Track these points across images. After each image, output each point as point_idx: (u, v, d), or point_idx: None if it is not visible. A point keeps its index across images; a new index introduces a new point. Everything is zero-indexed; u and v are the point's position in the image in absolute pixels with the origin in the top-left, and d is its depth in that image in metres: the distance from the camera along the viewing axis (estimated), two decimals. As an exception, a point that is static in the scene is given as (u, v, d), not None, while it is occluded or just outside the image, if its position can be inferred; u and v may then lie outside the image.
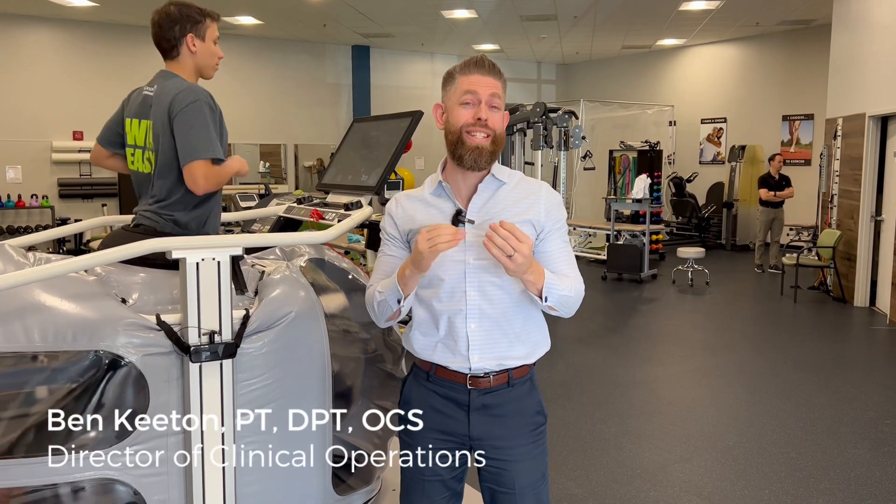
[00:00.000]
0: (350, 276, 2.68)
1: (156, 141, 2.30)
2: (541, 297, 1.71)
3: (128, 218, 2.75)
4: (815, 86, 11.45)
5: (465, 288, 1.77)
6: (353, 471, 2.64)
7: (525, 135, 7.45)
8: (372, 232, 2.61)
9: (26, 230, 10.61)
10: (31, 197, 10.89)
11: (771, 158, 9.89)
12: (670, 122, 13.40)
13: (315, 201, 2.88)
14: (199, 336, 1.99)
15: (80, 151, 11.15)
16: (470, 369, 1.79)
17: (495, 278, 1.76)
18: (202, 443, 2.02)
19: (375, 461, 2.68)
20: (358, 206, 2.50)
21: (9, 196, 10.73)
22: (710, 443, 4.06)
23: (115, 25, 11.27)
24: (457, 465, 1.87)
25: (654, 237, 10.04)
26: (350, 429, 2.81)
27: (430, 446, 1.85)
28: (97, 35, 11.19)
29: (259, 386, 2.15)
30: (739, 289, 8.88)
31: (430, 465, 1.86)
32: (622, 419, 4.44)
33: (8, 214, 10.74)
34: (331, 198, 2.81)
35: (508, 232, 1.59)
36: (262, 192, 8.25)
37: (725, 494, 3.44)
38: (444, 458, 1.85)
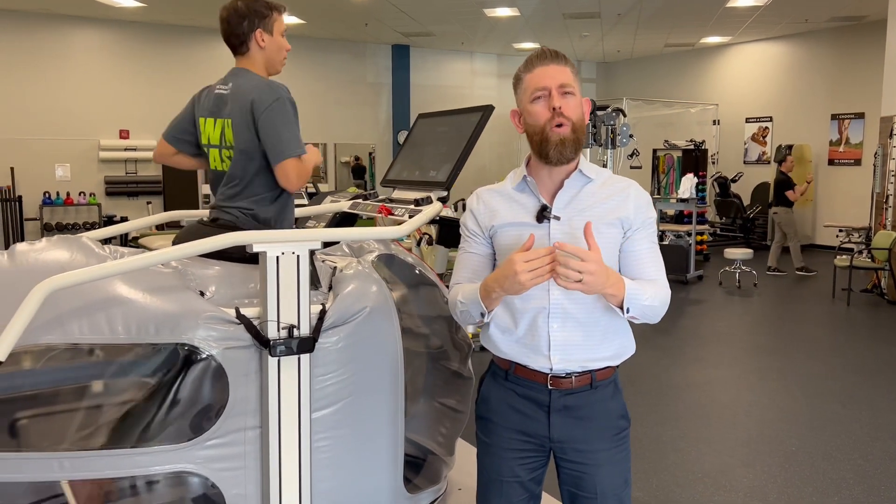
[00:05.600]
0: (417, 271, 2.65)
1: (235, 138, 2.30)
2: (622, 309, 1.65)
3: (195, 213, 2.77)
4: (866, 84, 11.18)
5: (548, 286, 1.72)
6: (420, 470, 2.61)
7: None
8: (443, 228, 2.58)
9: (74, 227, 10.82)
10: (80, 194, 11.11)
11: (783, 160, 9.60)
12: (714, 122, 13.18)
13: (380, 197, 2.87)
14: (279, 330, 1.98)
15: (126, 150, 11.36)
16: (551, 369, 1.74)
17: None
18: (279, 437, 2.01)
19: (442, 461, 2.66)
20: (428, 201, 2.47)
21: (58, 193, 10.95)
22: (772, 447, 3.96)
23: (162, 26, 11.45)
24: (536, 466, 1.82)
25: (698, 238, 9.88)
26: (413, 427, 2.79)
27: (509, 447, 1.81)
28: (144, 35, 11.38)
29: (333, 381, 2.13)
30: (788, 291, 8.69)
31: (509, 465, 1.81)
32: (678, 422, 4.35)
33: (57, 211, 10.97)
34: (397, 194, 2.79)
35: (567, 254, 1.52)
36: (312, 190, 8.30)
37: (793, 501, 3.35)
38: (523, 460, 1.80)
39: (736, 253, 8.84)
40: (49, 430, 1.92)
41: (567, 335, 1.72)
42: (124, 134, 11.40)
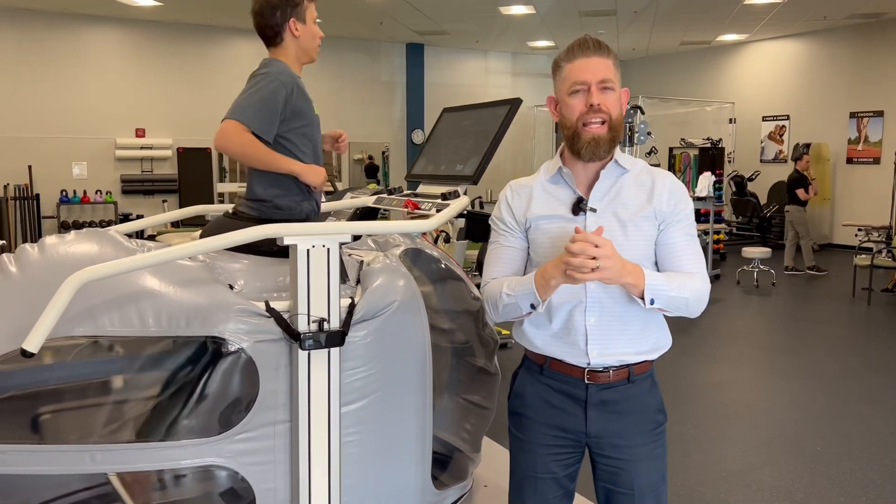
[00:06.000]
0: (443, 266, 2.63)
1: None
2: (643, 300, 1.60)
3: (222, 207, 2.76)
4: (885, 81, 11.06)
5: None
6: (446, 467, 2.59)
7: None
8: (470, 222, 2.56)
9: (90, 225, 10.88)
10: (96, 192, 11.17)
11: (799, 158, 9.50)
12: (730, 120, 13.09)
13: (405, 192, 2.85)
14: (309, 323, 1.97)
15: (141, 148, 11.41)
16: (588, 364, 1.71)
17: None
18: (309, 432, 1.99)
19: (468, 457, 2.64)
20: (455, 195, 2.46)
21: (74, 192, 11.02)
22: (796, 447, 3.91)
23: (179, 25, 11.49)
24: (571, 462, 1.80)
25: (715, 237, 9.81)
26: (437, 423, 2.77)
27: (544, 442, 1.78)
28: (160, 34, 11.42)
29: (361, 376, 2.12)
30: (807, 290, 8.60)
31: (544, 462, 1.79)
32: (700, 420, 4.31)
33: (74, 209, 11.03)
34: (422, 188, 2.78)
35: (581, 244, 1.49)
36: (329, 189, 8.31)
37: (820, 501, 3.30)
38: (558, 456, 1.78)
39: (754, 252, 8.77)
40: (81, 424, 1.91)
41: (604, 329, 1.69)
42: (140, 132, 11.45)
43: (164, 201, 11.71)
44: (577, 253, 1.49)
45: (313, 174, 2.32)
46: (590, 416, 1.74)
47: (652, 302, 1.61)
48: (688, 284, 1.65)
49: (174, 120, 11.64)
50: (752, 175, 12.27)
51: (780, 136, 12.77)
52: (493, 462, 2.90)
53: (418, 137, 13.90)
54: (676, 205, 1.73)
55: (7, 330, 1.82)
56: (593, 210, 1.70)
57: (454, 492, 2.48)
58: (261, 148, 2.19)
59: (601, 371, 1.71)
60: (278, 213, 2.31)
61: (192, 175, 11.78)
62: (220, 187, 11.96)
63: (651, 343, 1.74)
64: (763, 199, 12.38)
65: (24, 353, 1.69)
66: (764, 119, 12.98)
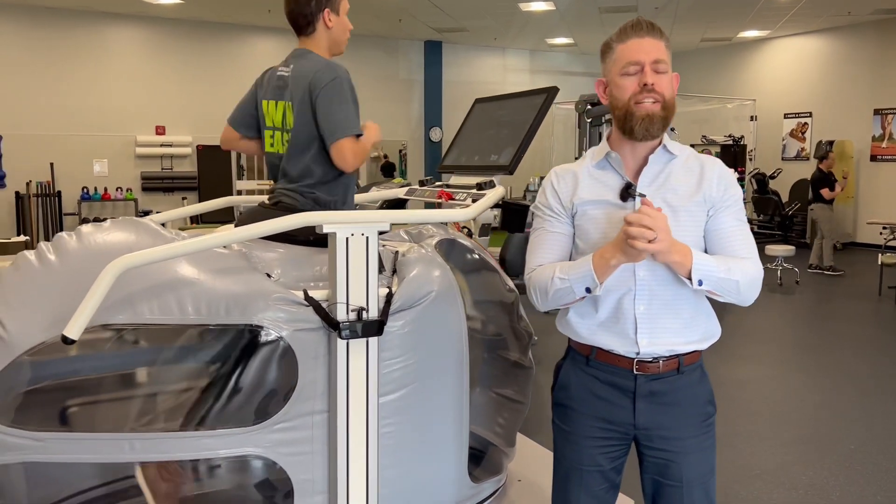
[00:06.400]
0: (477, 256, 2.60)
1: (295, 121, 2.27)
2: (690, 280, 1.57)
3: (255, 198, 2.75)
4: (911, 78, 10.91)
5: (634, 266, 1.65)
6: (480, 462, 2.56)
7: (612, 126, 7.29)
8: (507, 212, 2.53)
9: (112, 222, 10.92)
10: (116, 190, 11.24)
11: (825, 157, 9.38)
12: (751, 118, 12.96)
13: (437, 183, 2.82)
14: (348, 312, 1.94)
15: (162, 146, 11.47)
16: (638, 353, 1.67)
17: None
18: (347, 422, 1.97)
19: (503, 452, 2.61)
20: (491, 185, 2.42)
21: (95, 189, 11.09)
22: (829, 446, 3.85)
23: (199, 22, 11.54)
24: (618, 455, 1.76)
25: (737, 234, 9.70)
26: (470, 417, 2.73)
27: (590, 434, 1.75)
28: (181, 32, 11.47)
29: (399, 367, 2.09)
30: (832, 288, 8.49)
31: (590, 454, 1.75)
32: (729, 419, 4.25)
33: (94, 206, 11.10)
34: (455, 179, 2.75)
35: (638, 215, 1.48)
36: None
37: (857, 500, 3.24)
38: (604, 448, 1.74)
39: (777, 250, 8.67)
40: (119, 412, 1.90)
41: (654, 317, 1.65)
42: (160, 130, 11.51)
43: (183, 199, 11.76)
44: (635, 223, 1.48)
45: (377, 132, 2.39)
46: (638, 407, 1.70)
47: (700, 283, 1.58)
48: (738, 267, 1.61)
49: (194, 117, 11.69)
50: (774, 173, 12.14)
51: (803, 133, 12.63)
52: (525, 456, 2.86)
53: (436, 135, 13.88)
54: (727, 190, 1.69)
55: (48, 317, 1.80)
56: (642, 195, 1.67)
57: (489, 485, 2.44)
58: (366, 145, 2.27)
59: (650, 361, 1.68)
60: (315, 204, 2.29)
61: (211, 172, 11.82)
62: (238, 185, 11.99)
63: (701, 332, 1.70)
64: (785, 197, 12.25)
65: (65, 340, 1.68)
66: (786, 116, 12.84)
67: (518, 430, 2.77)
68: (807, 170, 12.17)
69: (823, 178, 9.25)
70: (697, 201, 1.67)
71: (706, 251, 1.69)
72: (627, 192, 1.67)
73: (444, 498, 2.21)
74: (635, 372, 1.68)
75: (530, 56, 14.84)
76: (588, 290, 1.61)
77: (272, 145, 2.39)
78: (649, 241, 1.48)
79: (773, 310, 7.41)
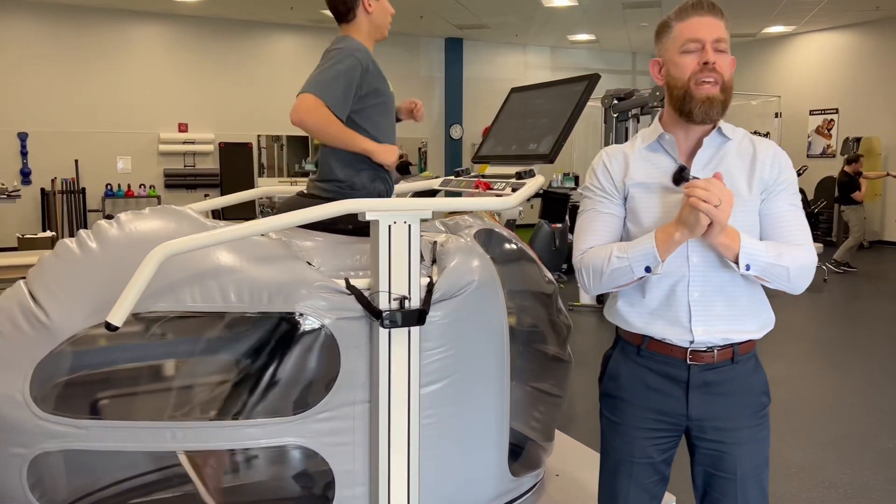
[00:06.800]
0: (515, 246, 2.56)
1: None
2: (737, 264, 1.52)
3: (291, 188, 2.73)
4: (941, 73, 10.72)
5: (687, 252, 1.61)
6: (518, 457, 2.52)
7: (639, 121, 7.22)
8: (547, 201, 2.49)
9: (135, 218, 11.00)
10: (140, 186, 11.31)
11: (855, 160, 9.25)
12: (776, 114, 12.80)
13: (473, 174, 2.79)
14: (390, 301, 1.91)
15: (184, 143, 11.53)
16: (692, 342, 1.63)
17: None
18: (389, 412, 1.94)
19: (541, 446, 2.57)
20: (531, 174, 2.38)
21: (119, 186, 11.18)
22: (867, 444, 3.77)
23: (221, 20, 11.58)
24: (668, 447, 1.71)
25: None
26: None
27: (641, 426, 1.70)
28: (203, 29, 11.52)
29: (439, 357, 2.06)
30: (859, 286, 8.36)
31: (641, 446, 1.70)
32: (763, 416, 4.18)
33: (118, 203, 11.19)
34: (492, 169, 2.71)
35: (704, 181, 1.46)
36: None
37: (898, 499, 3.17)
38: (655, 440, 1.69)
39: (805, 247, 8.53)
40: (161, 401, 1.88)
41: (708, 304, 1.61)
42: (183, 127, 11.57)
43: (206, 195, 11.82)
44: (701, 186, 1.45)
45: (386, 153, 2.27)
46: (691, 398, 1.65)
47: (748, 268, 1.53)
48: (789, 253, 1.56)
49: (216, 115, 11.74)
50: (800, 170, 11.94)
51: (829, 130, 12.45)
52: (562, 451, 2.82)
53: (456, 133, 13.84)
54: (781, 173, 1.64)
55: (90, 304, 1.79)
56: (696, 178, 1.62)
57: (528, 479, 2.41)
58: (337, 124, 2.14)
59: (705, 351, 1.63)
60: (353, 193, 2.26)
61: (233, 169, 11.87)
62: (259, 182, 12.04)
63: (756, 321, 1.65)
64: (810, 195, 12.08)
65: (109, 327, 1.66)
66: (811, 113, 12.67)
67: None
68: (833, 167, 12.00)
69: (851, 182, 9.15)
70: (751, 185, 1.62)
71: (759, 236, 1.64)
72: (681, 176, 1.63)
73: (484, 491, 2.17)
74: (689, 362, 1.64)
75: (551, 53, 14.75)
76: (648, 269, 1.56)
77: None
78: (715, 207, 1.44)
79: (802, 307, 7.30)
